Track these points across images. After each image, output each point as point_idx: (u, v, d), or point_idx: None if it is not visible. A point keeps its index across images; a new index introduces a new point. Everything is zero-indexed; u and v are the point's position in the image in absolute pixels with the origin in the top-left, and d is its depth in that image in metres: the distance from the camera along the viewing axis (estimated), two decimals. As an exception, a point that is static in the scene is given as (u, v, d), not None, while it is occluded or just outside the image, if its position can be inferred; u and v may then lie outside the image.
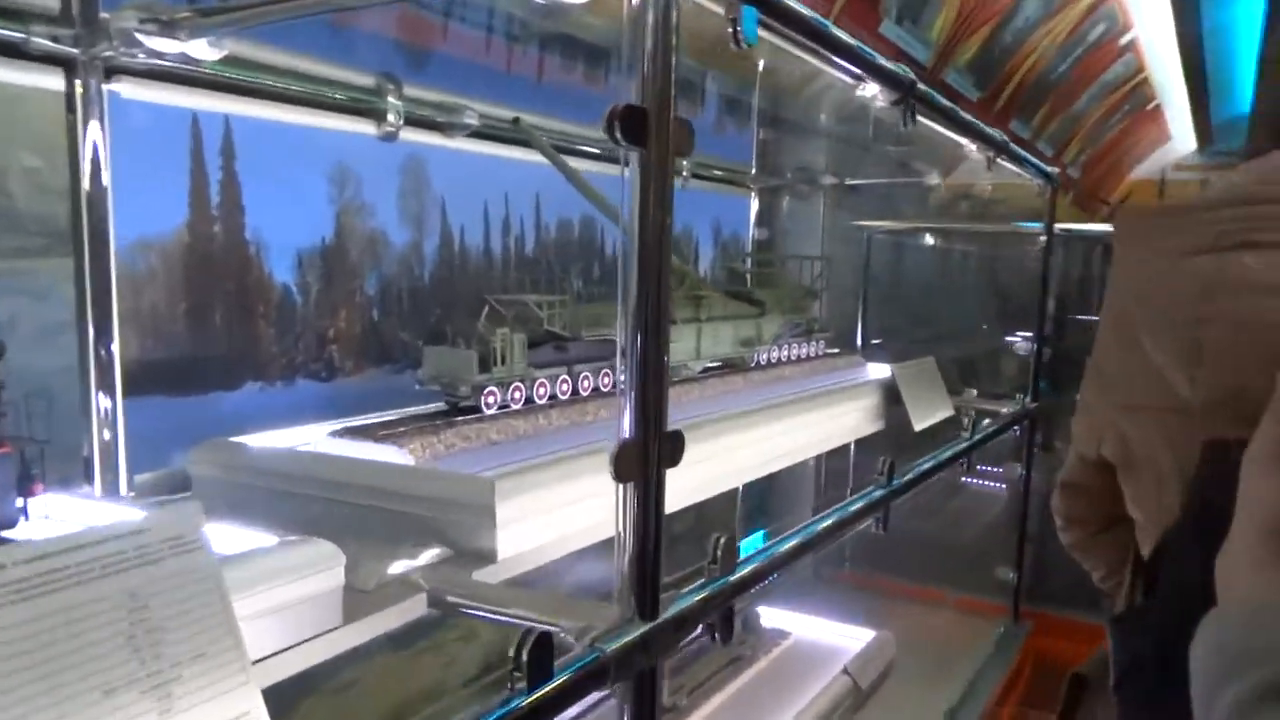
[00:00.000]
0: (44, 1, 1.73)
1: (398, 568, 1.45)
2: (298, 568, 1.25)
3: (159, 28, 1.74)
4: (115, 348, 1.87)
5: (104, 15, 1.84)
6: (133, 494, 1.91)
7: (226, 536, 1.32)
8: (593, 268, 3.21)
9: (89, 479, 1.89)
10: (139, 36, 1.73)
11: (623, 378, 1.25)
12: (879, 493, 2.12)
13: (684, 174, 3.67)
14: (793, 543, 1.76)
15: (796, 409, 2.54)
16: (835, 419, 2.74)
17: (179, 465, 1.95)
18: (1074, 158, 5.78)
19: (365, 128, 2.41)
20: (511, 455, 1.90)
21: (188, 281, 2.01)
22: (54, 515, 1.34)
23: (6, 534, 1.27)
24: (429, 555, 1.51)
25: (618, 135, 1.18)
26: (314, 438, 2.04)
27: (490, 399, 2.01)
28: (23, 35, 1.73)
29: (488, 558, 1.54)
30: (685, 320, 2.58)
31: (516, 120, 2.33)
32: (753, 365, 2.95)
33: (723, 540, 1.48)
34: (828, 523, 1.91)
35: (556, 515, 1.64)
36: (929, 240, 4.78)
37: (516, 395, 2.07)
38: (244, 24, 1.82)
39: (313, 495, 1.73)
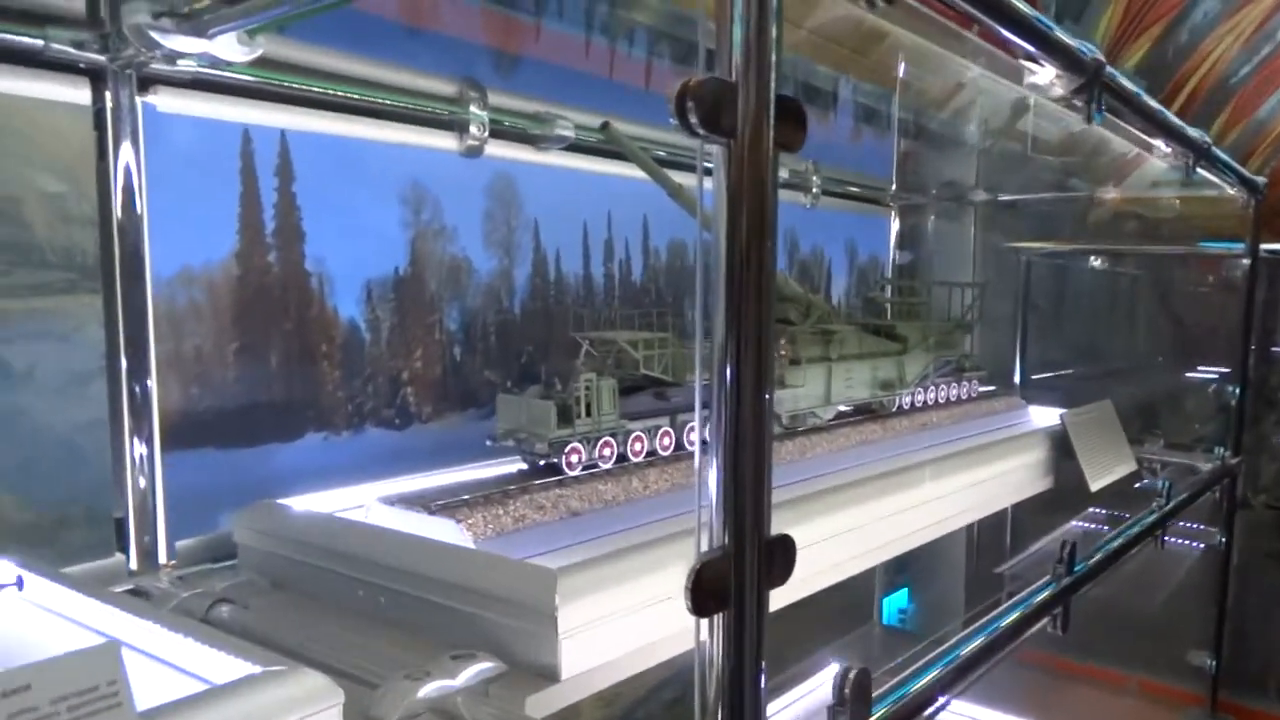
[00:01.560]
0: (67, 4, 1.53)
1: (431, 691, 1.12)
2: (284, 709, 0.94)
3: (176, 23, 1.50)
4: (153, 395, 1.64)
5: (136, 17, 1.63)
6: (173, 563, 1.67)
7: (199, 656, 1.03)
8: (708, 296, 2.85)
9: (122, 545, 1.66)
10: (155, 35, 1.49)
11: (701, 453, 0.89)
12: (1056, 585, 1.66)
13: (814, 190, 3.28)
14: (939, 671, 1.33)
15: (950, 466, 2.10)
16: (997, 477, 2.28)
17: (227, 527, 1.71)
18: (1257, 170, 5.08)
19: (445, 142, 2.15)
20: (592, 531, 1.56)
21: (239, 318, 1.77)
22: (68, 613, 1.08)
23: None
24: (471, 672, 1.18)
25: (693, 120, 0.82)
26: (369, 497, 1.76)
27: (574, 457, 1.68)
28: (40, 40, 1.52)
29: (547, 675, 1.20)
30: (812, 360, 2.19)
31: (606, 125, 2.01)
32: (894, 411, 2.52)
33: (852, 675, 1.09)
34: (979, 639, 1.47)
35: (638, 618, 1.29)
36: (1093, 263, 4.20)
37: (606, 452, 1.73)
38: (274, 14, 1.56)
39: (353, 575, 1.44)
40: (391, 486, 1.77)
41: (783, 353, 2.05)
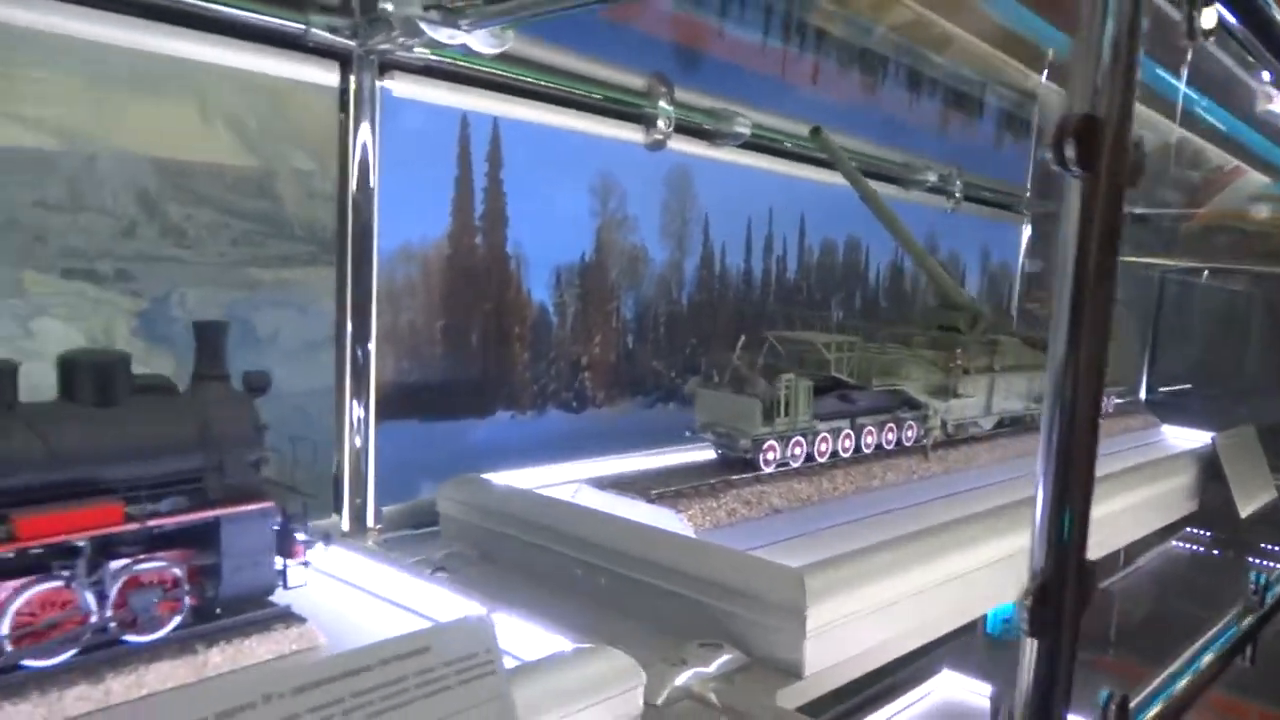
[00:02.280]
0: (324, -8, 1.60)
1: (688, 677, 1.17)
2: (595, 686, 1.00)
3: (442, 16, 1.57)
4: (372, 365, 1.72)
5: (384, 5, 1.69)
6: (379, 526, 1.75)
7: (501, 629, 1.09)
8: (855, 296, 2.87)
9: (337, 506, 1.74)
10: (422, 25, 1.56)
11: (1041, 479, 0.91)
12: (1249, 619, 1.67)
13: (956, 195, 3.27)
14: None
15: (1110, 489, 2.09)
16: (1151, 500, 2.27)
17: (427, 497, 1.78)
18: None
19: (632, 134, 2.19)
20: (798, 528, 1.60)
21: (447, 297, 1.84)
22: (313, 580, 1.15)
23: (275, 600, 1.09)
24: (720, 662, 1.23)
25: (1068, 155, 0.85)
26: (561, 478, 1.82)
27: (770, 454, 1.72)
28: (303, 26, 1.59)
29: (791, 671, 1.24)
30: (979, 370, 2.20)
31: (816, 131, 2.03)
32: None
33: (1114, 704, 1.11)
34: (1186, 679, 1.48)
35: (873, 618, 1.33)
36: (1208, 279, 4.11)
37: (797, 451, 1.77)
38: (529, 15, 1.62)
39: (569, 554, 1.50)
40: (584, 469, 1.83)
41: (958, 362, 2.07)
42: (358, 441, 1.71)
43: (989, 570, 1.54)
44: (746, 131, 2.33)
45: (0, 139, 1.30)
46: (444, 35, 1.54)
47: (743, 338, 1.97)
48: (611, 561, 1.45)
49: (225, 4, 1.50)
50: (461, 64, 1.81)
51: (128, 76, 1.42)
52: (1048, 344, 2.48)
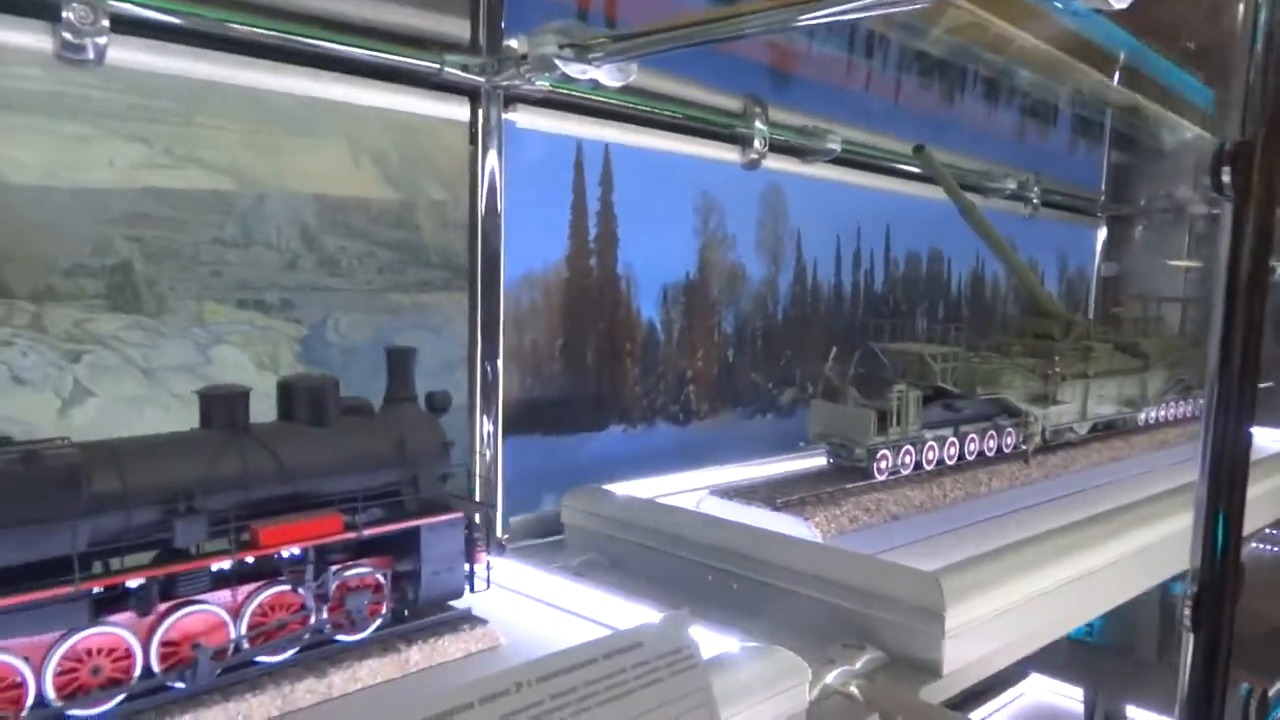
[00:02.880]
0: (452, 31, 1.71)
1: (836, 675, 1.24)
2: (766, 682, 1.07)
3: (575, 53, 1.66)
4: (499, 383, 1.81)
5: (509, 43, 1.79)
6: (506, 536, 1.84)
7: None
8: (938, 306, 2.91)
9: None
10: (557, 61, 1.65)
11: (1200, 487, 0.97)
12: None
13: (1034, 201, 3.30)
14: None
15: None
16: (1253, 501, 2.29)
17: (549, 508, 1.87)
18: None
19: (730, 154, 2.27)
20: (918, 533, 1.66)
21: (565, 317, 1.93)
22: (503, 581, 1.24)
23: (454, 603, 1.18)
24: (864, 661, 1.30)
25: (1224, 181, 0.91)
26: (676, 487, 1.91)
27: (883, 463, 1.78)
28: (437, 65, 1.70)
29: (930, 670, 1.30)
30: (1074, 376, 2.24)
31: (920, 148, 2.10)
32: (1135, 427, 2.55)
33: (1255, 697, 1.16)
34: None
35: (1005, 619, 1.39)
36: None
37: (906, 459, 1.83)
38: (652, 50, 1.71)
39: (699, 561, 1.58)
40: (696, 479, 1.91)
41: (1056, 369, 2.11)
42: (487, 455, 1.81)
43: (1110, 570, 1.59)
44: (837, 147, 2.40)
45: (184, 181, 1.42)
46: (575, 70, 1.63)
47: (834, 349, 2.03)
48: (743, 567, 1.52)
49: (370, 48, 1.62)
50: (576, 94, 1.91)
51: (289, 120, 1.53)
52: (1140, 349, 2.50)
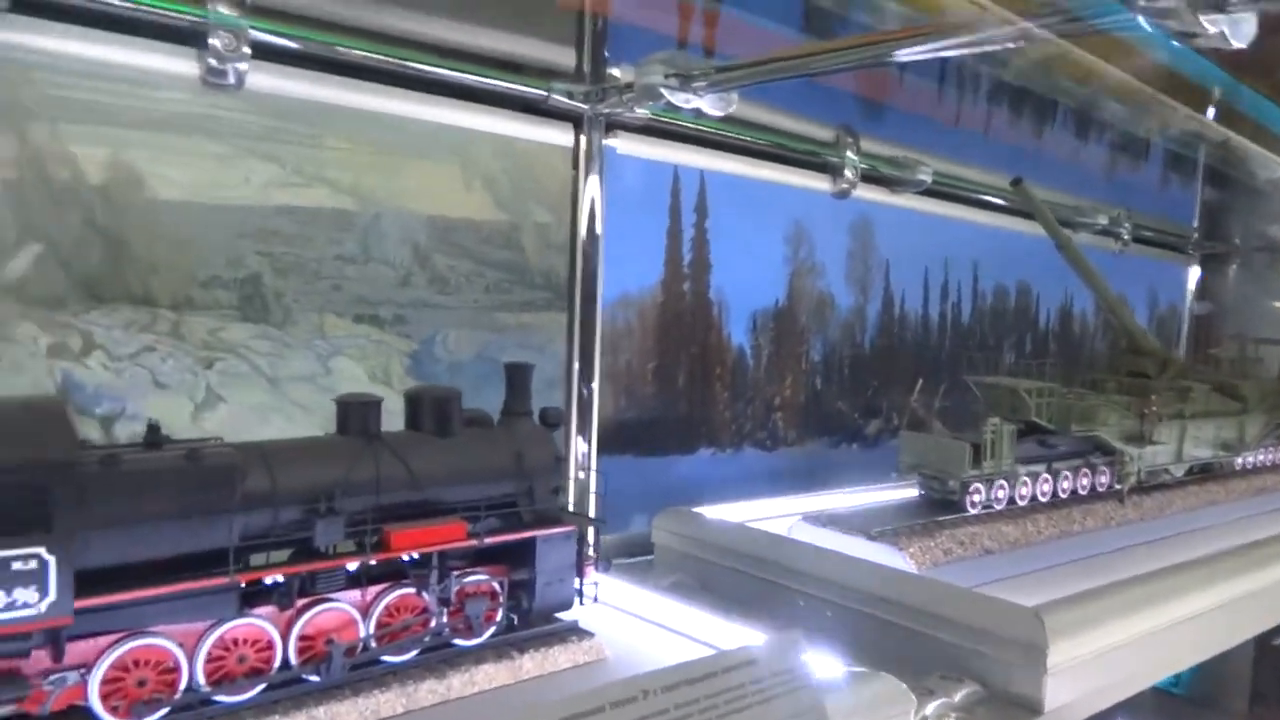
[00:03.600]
0: (558, 60, 1.77)
1: (935, 707, 1.24)
2: (871, 707, 1.08)
3: (680, 82, 1.71)
4: (594, 402, 1.85)
5: (612, 71, 1.85)
6: (594, 555, 1.87)
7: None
8: (1025, 340, 2.88)
9: (559, 536, 1.88)
10: (662, 90, 1.70)
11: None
12: None
13: (1125, 238, 3.25)
14: None
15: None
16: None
17: (638, 528, 1.90)
18: None
19: (821, 184, 2.29)
20: (1012, 569, 1.64)
21: (659, 340, 1.97)
22: (601, 597, 1.27)
23: (561, 615, 1.21)
24: (962, 694, 1.29)
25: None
26: (765, 513, 1.91)
27: (975, 496, 1.77)
28: (544, 93, 1.76)
29: (1029, 707, 1.29)
30: (1171, 416, 2.19)
31: (1017, 181, 2.09)
32: (1232, 471, 2.48)
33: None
34: None
35: (1106, 660, 1.37)
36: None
37: (1000, 494, 1.82)
38: (753, 80, 1.75)
39: (791, 587, 1.58)
40: (785, 505, 1.92)
41: (1153, 408, 2.07)
42: (581, 475, 1.85)
43: (1213, 616, 1.56)
44: (927, 179, 2.41)
45: (311, 200, 1.49)
46: (680, 99, 1.68)
47: (920, 381, 2.03)
48: (838, 595, 1.52)
49: (483, 75, 1.68)
50: (675, 122, 1.95)
51: (407, 143, 1.60)
52: (1238, 391, 2.44)
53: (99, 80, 1.30)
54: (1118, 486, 2.05)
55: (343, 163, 1.53)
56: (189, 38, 1.38)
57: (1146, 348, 2.28)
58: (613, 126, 1.87)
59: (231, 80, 1.42)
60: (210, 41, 1.38)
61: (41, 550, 0.79)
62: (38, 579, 0.79)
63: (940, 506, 1.79)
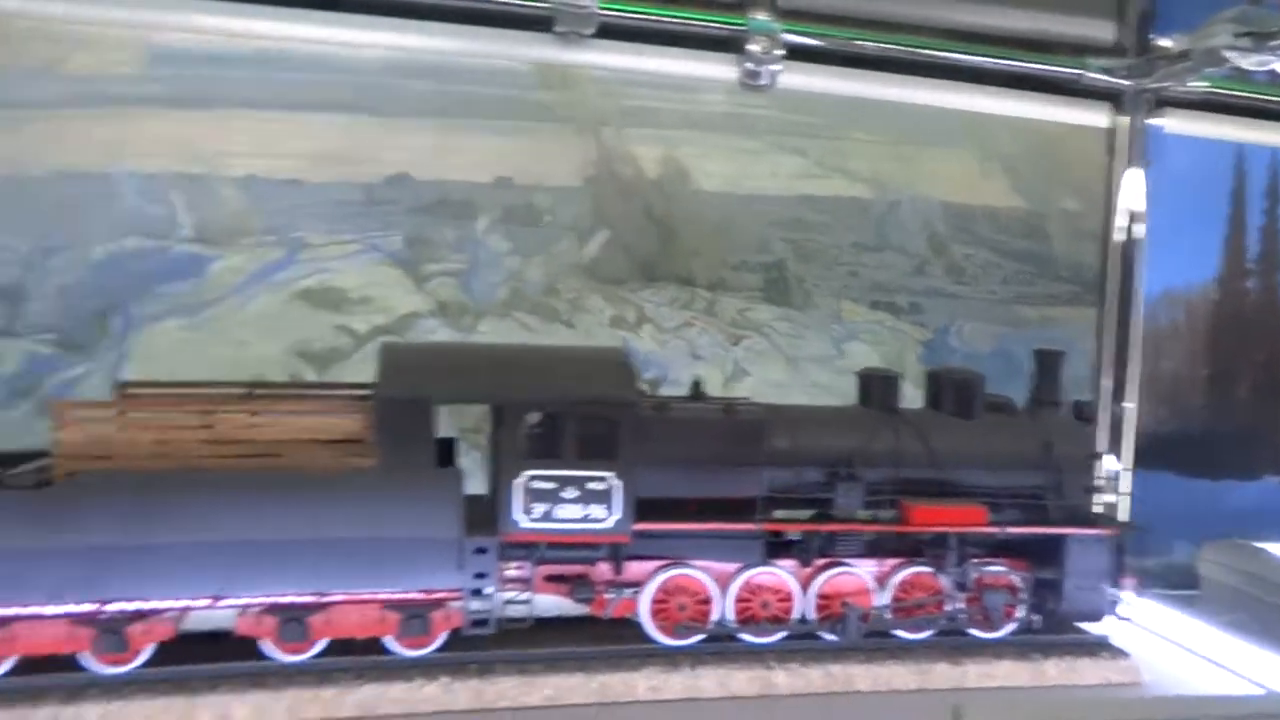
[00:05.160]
0: (1092, 34, 1.60)
1: None
2: None
3: (1254, 42, 1.46)
4: (1132, 414, 1.64)
5: (1161, 42, 1.64)
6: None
7: None
8: None
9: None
10: (1227, 54, 1.46)
11: None
12: None
13: None
14: None
15: None
16: None
17: (1180, 557, 1.65)
18: None
19: None
20: None
21: (1212, 345, 1.69)
22: (1135, 617, 1.12)
23: (1087, 626, 1.09)
24: None
25: None
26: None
27: None
28: (1077, 71, 1.61)
29: None
30: None
31: None
32: None
33: None
34: None
35: None
36: None
37: None
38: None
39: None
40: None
41: None
42: (1111, 496, 1.65)
43: None
44: None
45: (830, 189, 1.54)
46: (1252, 63, 1.43)
47: None
48: None
49: (1004, 57, 1.59)
50: (1242, 94, 1.67)
51: (923, 131, 1.57)
52: None
53: (653, 89, 1.47)
54: None
55: (862, 154, 1.55)
56: (729, 45, 1.50)
57: None
58: (1162, 104, 1.66)
59: (765, 81, 1.52)
60: (748, 47, 1.49)
61: (612, 475, 0.91)
62: (607, 499, 0.91)
63: None
